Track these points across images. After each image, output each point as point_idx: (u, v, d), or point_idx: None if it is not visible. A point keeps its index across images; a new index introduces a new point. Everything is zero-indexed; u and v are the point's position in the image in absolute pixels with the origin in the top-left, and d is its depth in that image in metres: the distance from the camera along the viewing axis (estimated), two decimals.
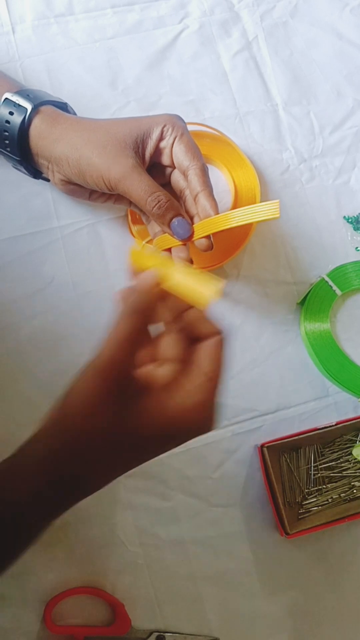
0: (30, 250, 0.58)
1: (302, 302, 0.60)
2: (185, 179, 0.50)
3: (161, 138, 0.49)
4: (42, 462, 0.37)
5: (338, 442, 0.58)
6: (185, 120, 0.61)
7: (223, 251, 0.59)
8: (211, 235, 0.49)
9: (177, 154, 0.49)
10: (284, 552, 0.56)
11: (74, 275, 0.58)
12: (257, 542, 0.56)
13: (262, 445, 0.55)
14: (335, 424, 0.56)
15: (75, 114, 0.56)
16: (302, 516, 0.56)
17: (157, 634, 0.52)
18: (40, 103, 0.50)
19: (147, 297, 0.38)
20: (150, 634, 0.52)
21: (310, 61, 0.67)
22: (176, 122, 0.50)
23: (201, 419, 0.37)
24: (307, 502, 0.56)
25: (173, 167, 0.51)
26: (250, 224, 0.60)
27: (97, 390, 0.36)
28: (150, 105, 0.62)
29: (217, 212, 0.48)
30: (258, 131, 0.64)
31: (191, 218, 0.50)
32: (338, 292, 0.60)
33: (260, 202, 0.61)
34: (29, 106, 0.49)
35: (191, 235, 0.49)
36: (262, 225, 0.62)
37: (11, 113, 0.50)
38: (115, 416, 0.36)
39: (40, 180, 0.56)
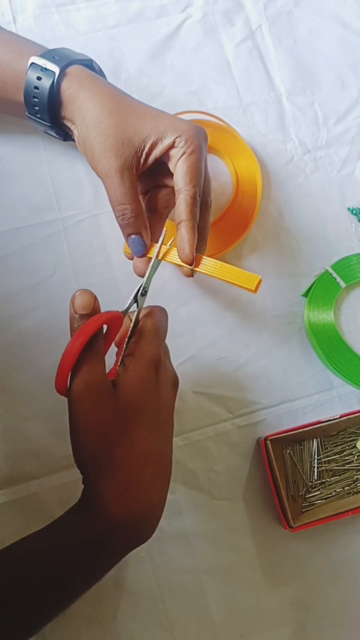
0: (32, 242, 0.57)
1: (306, 294, 0.60)
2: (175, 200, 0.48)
3: (172, 146, 0.48)
4: None
5: (342, 435, 0.58)
6: (188, 110, 0.61)
7: (221, 242, 0.59)
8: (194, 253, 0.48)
9: (177, 170, 0.48)
10: (287, 545, 0.56)
11: (76, 267, 0.57)
12: (260, 535, 0.55)
13: (266, 438, 0.55)
14: (339, 417, 0.56)
15: (100, 69, 0.54)
16: (305, 509, 0.56)
17: None
18: (67, 64, 0.49)
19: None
20: None
21: (314, 50, 0.66)
22: (193, 137, 0.47)
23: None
24: (311, 495, 0.56)
25: None
26: (251, 215, 0.60)
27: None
28: (153, 96, 0.62)
29: (192, 250, 0.47)
30: (261, 121, 0.64)
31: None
32: (342, 284, 0.60)
33: (262, 189, 0.60)
34: (56, 69, 0.48)
35: (148, 251, 0.49)
36: (265, 217, 0.61)
37: (39, 78, 0.48)
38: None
39: (41, 173, 0.56)
